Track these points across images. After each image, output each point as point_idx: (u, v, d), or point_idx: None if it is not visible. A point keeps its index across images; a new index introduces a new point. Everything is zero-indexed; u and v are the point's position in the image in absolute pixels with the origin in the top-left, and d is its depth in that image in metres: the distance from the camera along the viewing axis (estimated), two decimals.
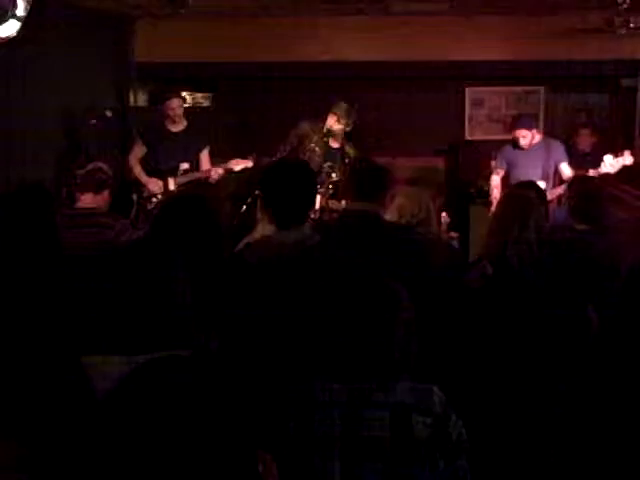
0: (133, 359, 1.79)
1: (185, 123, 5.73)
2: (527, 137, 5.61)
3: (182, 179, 5.54)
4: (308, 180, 2.69)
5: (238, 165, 5.60)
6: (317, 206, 5.04)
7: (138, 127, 6.05)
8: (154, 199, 5.56)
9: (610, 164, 5.09)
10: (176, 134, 5.71)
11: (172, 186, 5.56)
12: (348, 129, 5.50)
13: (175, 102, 5.63)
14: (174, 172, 5.58)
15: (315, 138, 5.49)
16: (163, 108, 5.67)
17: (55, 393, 1.74)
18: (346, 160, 5.45)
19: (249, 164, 5.62)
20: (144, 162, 5.67)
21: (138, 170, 5.63)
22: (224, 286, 2.52)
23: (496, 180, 5.79)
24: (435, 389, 1.79)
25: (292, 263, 2.49)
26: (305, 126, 5.59)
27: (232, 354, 2.29)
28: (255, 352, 2.37)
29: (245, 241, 3.31)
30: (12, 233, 2.80)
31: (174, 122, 5.66)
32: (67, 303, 2.46)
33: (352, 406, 1.73)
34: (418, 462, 1.70)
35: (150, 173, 5.62)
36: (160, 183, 5.59)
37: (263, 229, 3.35)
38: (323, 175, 5.32)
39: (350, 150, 5.56)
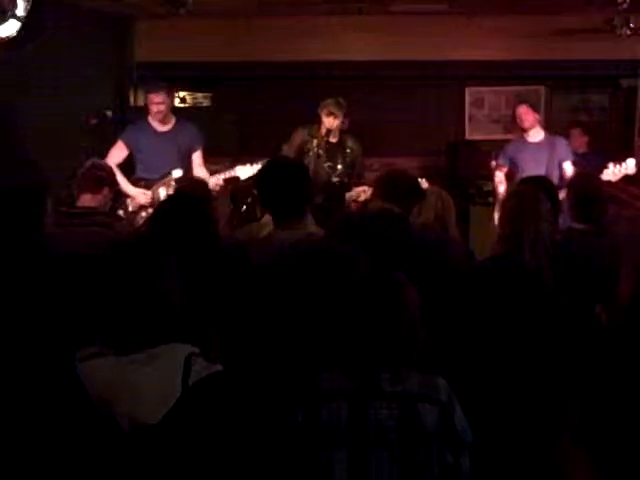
0: (128, 358, 1.80)
1: (174, 122, 5.19)
2: (529, 116, 5.46)
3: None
4: (300, 175, 2.80)
5: (244, 172, 4.74)
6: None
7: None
8: (143, 213, 4.85)
9: (613, 172, 5.05)
10: (164, 134, 5.15)
11: (163, 197, 4.78)
12: (343, 120, 5.22)
13: (158, 97, 4.99)
14: (162, 179, 4.92)
15: (315, 142, 5.19)
16: (147, 104, 5.12)
17: (46, 393, 1.74)
18: (347, 151, 5.29)
19: (256, 169, 4.65)
20: (122, 170, 5.00)
21: (120, 179, 4.80)
22: (228, 284, 2.55)
23: (500, 176, 5.67)
24: (441, 379, 1.81)
25: (296, 259, 2.51)
26: (300, 134, 5.25)
27: (237, 351, 2.30)
28: (262, 346, 2.39)
29: (239, 235, 3.34)
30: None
31: (161, 121, 5.11)
32: (59, 303, 2.46)
33: (360, 396, 1.75)
34: (425, 451, 1.72)
35: (133, 182, 5.01)
36: (149, 193, 4.94)
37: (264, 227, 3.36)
38: (326, 176, 5.22)
39: (351, 144, 5.34)
